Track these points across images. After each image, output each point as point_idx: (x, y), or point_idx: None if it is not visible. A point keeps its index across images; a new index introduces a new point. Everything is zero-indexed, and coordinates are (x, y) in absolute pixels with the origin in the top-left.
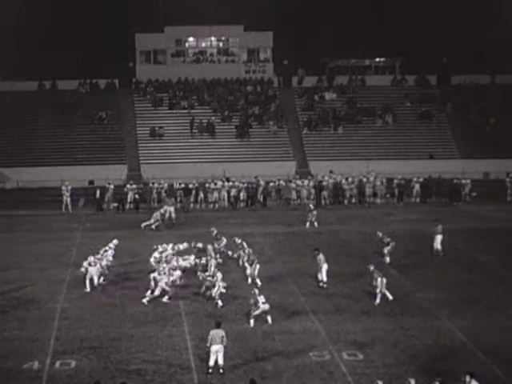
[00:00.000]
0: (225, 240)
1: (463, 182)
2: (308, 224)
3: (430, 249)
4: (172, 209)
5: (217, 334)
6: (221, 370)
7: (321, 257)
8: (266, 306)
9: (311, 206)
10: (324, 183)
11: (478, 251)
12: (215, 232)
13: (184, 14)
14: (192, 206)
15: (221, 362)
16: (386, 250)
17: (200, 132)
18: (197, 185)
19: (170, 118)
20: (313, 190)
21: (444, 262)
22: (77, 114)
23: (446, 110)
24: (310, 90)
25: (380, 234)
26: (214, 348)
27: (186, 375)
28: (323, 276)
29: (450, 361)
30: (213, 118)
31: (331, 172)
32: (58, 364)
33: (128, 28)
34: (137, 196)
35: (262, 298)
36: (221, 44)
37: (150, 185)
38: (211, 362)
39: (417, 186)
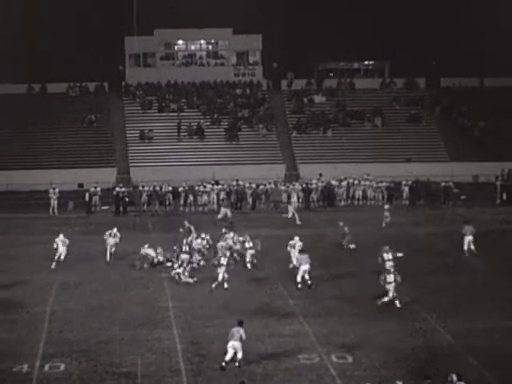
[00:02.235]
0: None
1: (443, 184)
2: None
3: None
4: (228, 210)
5: (237, 331)
6: (236, 364)
7: (302, 256)
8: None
9: (386, 207)
10: (313, 186)
11: (465, 253)
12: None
13: (173, 16)
14: (181, 208)
15: (240, 356)
16: (345, 241)
17: (189, 135)
18: (186, 188)
19: (159, 121)
20: (301, 193)
21: (431, 263)
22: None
23: (435, 113)
24: (299, 93)
25: (341, 223)
26: (230, 344)
27: (175, 378)
28: (306, 276)
29: (438, 363)
30: (202, 120)
31: (320, 175)
32: (47, 367)
33: (117, 31)
34: (127, 199)
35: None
36: (210, 47)
37: (140, 188)
38: (227, 357)
39: (406, 189)
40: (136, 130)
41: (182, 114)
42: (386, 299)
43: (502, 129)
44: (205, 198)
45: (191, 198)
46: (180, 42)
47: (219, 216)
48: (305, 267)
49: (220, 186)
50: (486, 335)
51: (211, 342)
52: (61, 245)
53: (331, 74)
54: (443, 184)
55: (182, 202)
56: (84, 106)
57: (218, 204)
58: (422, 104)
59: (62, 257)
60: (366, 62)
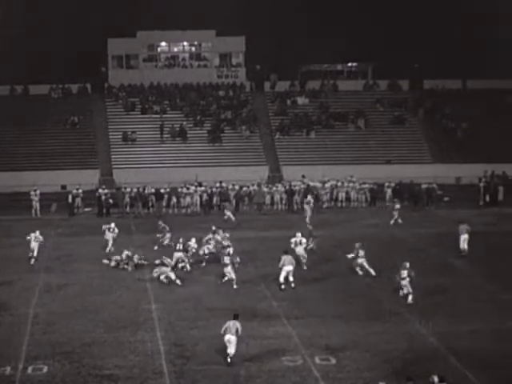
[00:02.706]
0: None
1: (426, 186)
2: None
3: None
4: (231, 213)
5: (233, 324)
6: (228, 359)
7: (285, 257)
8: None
9: (397, 206)
10: (296, 188)
11: (450, 255)
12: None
13: (156, 18)
14: (164, 210)
15: (232, 351)
16: (312, 245)
17: (172, 137)
18: (169, 189)
19: (142, 123)
20: (284, 195)
21: (415, 265)
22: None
23: (418, 114)
24: (283, 95)
25: (310, 227)
26: (226, 337)
27: (159, 380)
28: (290, 277)
29: (422, 365)
30: (185, 122)
31: (303, 177)
32: (30, 369)
33: (100, 32)
34: (111, 200)
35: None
36: (193, 49)
37: (123, 189)
38: (229, 350)
39: (389, 191)
40: (119, 132)
41: (164, 115)
42: (409, 298)
43: (485, 131)
44: (188, 199)
45: (174, 199)
46: (163, 43)
47: (225, 217)
48: (288, 268)
49: (203, 188)
50: (470, 337)
51: (195, 344)
52: (33, 239)
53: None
54: (426, 186)
55: (164, 203)
56: (66, 108)
57: (200, 206)
58: (406, 106)
59: (35, 254)
60: (350, 64)
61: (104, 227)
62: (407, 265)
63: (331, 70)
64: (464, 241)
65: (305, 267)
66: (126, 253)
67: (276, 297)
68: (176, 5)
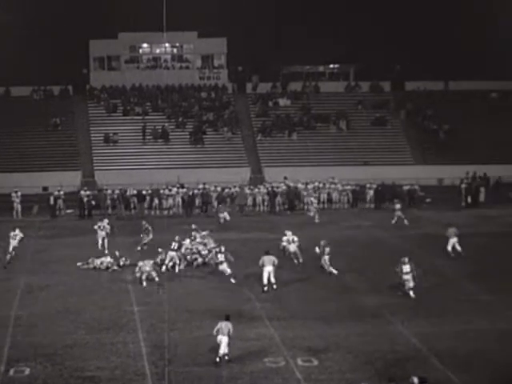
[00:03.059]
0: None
1: (408, 187)
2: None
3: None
4: (226, 214)
5: (225, 325)
6: (217, 359)
7: (265, 257)
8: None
9: (397, 206)
10: (278, 189)
11: (432, 256)
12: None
13: (138, 20)
14: (146, 212)
15: (226, 351)
16: (292, 249)
17: (154, 138)
18: (150, 191)
19: (124, 125)
20: (266, 197)
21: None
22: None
23: (400, 116)
24: (264, 97)
25: (289, 233)
26: (219, 338)
27: (141, 381)
28: (271, 278)
29: (404, 366)
30: (167, 124)
31: (285, 178)
32: (12, 371)
33: (81, 34)
34: (93, 202)
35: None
36: (175, 50)
37: (104, 191)
38: (221, 351)
39: (370, 192)
40: (101, 134)
41: (146, 117)
42: (411, 293)
43: (467, 132)
44: (170, 201)
45: (156, 201)
46: (145, 45)
47: (220, 221)
48: (268, 268)
49: (185, 190)
50: (453, 338)
51: (176, 346)
52: (11, 238)
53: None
54: (408, 187)
55: (146, 205)
56: (48, 110)
57: (182, 207)
58: (387, 107)
59: (10, 249)
60: (331, 66)
61: (96, 226)
62: (406, 259)
63: (313, 72)
64: (453, 244)
65: (301, 260)
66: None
67: (259, 298)
68: (158, 6)
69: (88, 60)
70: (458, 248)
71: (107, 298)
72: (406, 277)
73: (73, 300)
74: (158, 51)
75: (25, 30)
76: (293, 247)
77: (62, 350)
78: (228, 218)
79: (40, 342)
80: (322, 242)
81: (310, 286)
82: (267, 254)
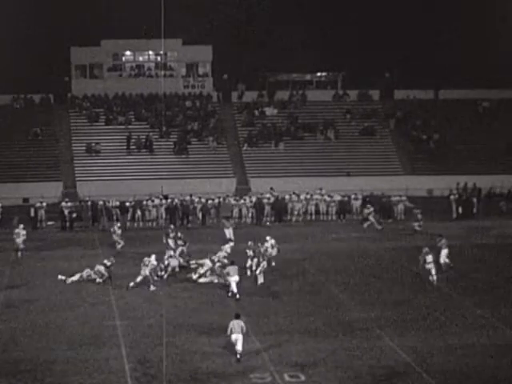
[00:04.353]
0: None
1: (397, 198)
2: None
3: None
4: (231, 229)
5: (237, 323)
6: (238, 356)
7: (231, 267)
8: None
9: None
10: (265, 200)
11: (421, 269)
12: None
13: (121, 27)
14: (129, 224)
15: (240, 348)
16: (259, 269)
17: (138, 148)
18: (133, 203)
19: (106, 134)
20: (252, 209)
21: (387, 280)
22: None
23: (390, 125)
24: (250, 105)
25: (269, 240)
26: (233, 337)
27: None
28: (239, 346)
29: (394, 382)
30: (151, 133)
31: (272, 189)
32: None
33: (63, 41)
34: (74, 215)
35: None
36: (159, 58)
37: (87, 203)
38: (238, 348)
39: (356, 203)
40: (82, 143)
41: (129, 126)
42: (434, 277)
43: (457, 142)
44: (153, 213)
45: (139, 212)
46: (128, 52)
47: (227, 236)
48: (234, 278)
49: (169, 201)
50: (443, 353)
51: (160, 361)
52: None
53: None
54: (397, 198)
55: (129, 217)
56: (29, 119)
57: (165, 219)
58: (376, 116)
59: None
60: (319, 74)
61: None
62: (427, 249)
63: (300, 80)
64: (445, 255)
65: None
66: (98, 267)
67: (244, 312)
68: (142, 13)
69: (69, 68)
70: (447, 260)
71: (89, 312)
72: (429, 266)
73: (54, 314)
74: (141, 59)
75: (5, 36)
76: (275, 252)
77: (43, 365)
78: (232, 236)
79: (20, 357)
80: (424, 250)
81: (296, 299)
82: (232, 264)
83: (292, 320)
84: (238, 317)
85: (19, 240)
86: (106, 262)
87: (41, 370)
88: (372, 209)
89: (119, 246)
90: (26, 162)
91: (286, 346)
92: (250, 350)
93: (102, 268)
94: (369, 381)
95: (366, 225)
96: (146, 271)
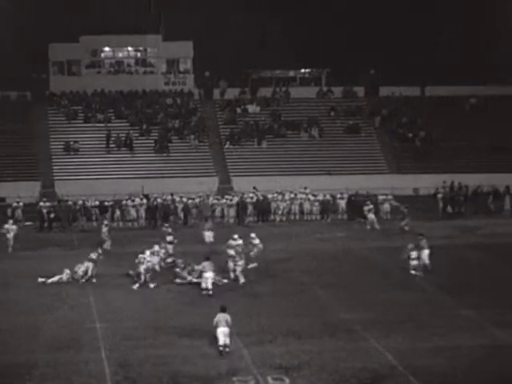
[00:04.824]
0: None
1: (383, 197)
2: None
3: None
4: (211, 233)
5: (223, 317)
6: (227, 349)
7: (206, 263)
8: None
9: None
10: (247, 200)
11: (407, 269)
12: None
13: (100, 23)
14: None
15: (227, 342)
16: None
17: (117, 147)
18: (112, 202)
19: (85, 132)
20: (234, 208)
21: (372, 280)
22: None
23: (375, 123)
24: (233, 103)
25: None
26: (219, 330)
27: None
28: (227, 340)
29: None
30: (130, 131)
31: (255, 188)
32: None
33: (41, 37)
34: (52, 215)
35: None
36: (139, 54)
37: (65, 202)
38: (221, 342)
39: (342, 203)
40: (61, 142)
41: (109, 124)
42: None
43: (444, 139)
44: (133, 213)
45: (118, 212)
46: (107, 49)
47: (206, 240)
48: (208, 274)
49: (150, 201)
50: (430, 355)
51: (141, 364)
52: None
53: None
54: (383, 197)
55: (108, 217)
56: (5, 116)
57: (145, 219)
58: (361, 114)
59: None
60: (303, 70)
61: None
62: (412, 245)
63: (283, 77)
64: (426, 256)
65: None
66: (86, 264)
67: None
68: (121, 8)
69: (47, 64)
70: (427, 261)
71: (69, 314)
72: (413, 262)
73: (33, 317)
74: (120, 55)
75: None
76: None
77: (22, 369)
78: (212, 239)
79: None
80: (409, 246)
81: (280, 300)
82: (207, 259)
83: (275, 321)
84: (223, 310)
85: (10, 235)
86: (92, 255)
87: (19, 374)
88: (372, 206)
89: (106, 245)
90: (2, 161)
91: (270, 347)
92: (232, 352)
93: (90, 265)
94: (353, 383)
95: (368, 225)
96: (141, 269)
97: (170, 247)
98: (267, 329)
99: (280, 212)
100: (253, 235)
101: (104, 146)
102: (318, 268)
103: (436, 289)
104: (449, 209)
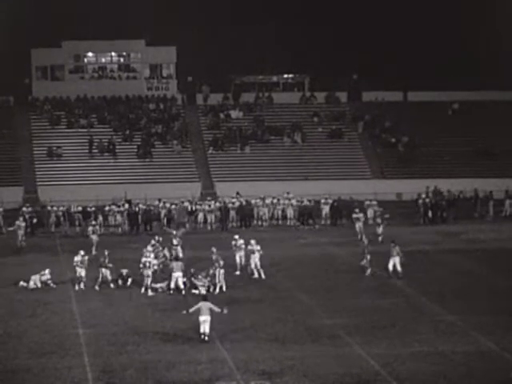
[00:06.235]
0: None
1: (367, 203)
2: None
3: (386, 270)
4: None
5: (205, 305)
6: (206, 338)
7: (175, 263)
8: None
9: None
10: (230, 205)
11: (389, 275)
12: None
13: (83, 28)
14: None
15: (207, 330)
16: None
17: (100, 152)
18: (94, 208)
19: (68, 138)
20: (218, 213)
21: (356, 286)
22: None
23: (358, 128)
24: (216, 108)
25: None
26: (201, 318)
27: None
28: (206, 328)
29: None
30: (113, 137)
31: (238, 193)
32: None
33: (23, 42)
34: (35, 220)
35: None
36: (122, 59)
37: (48, 208)
38: (202, 330)
39: (326, 208)
40: (43, 147)
41: (92, 129)
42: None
43: (427, 145)
44: (118, 218)
45: (101, 218)
46: (90, 54)
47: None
48: (176, 274)
49: (132, 206)
50: (412, 360)
51: (124, 370)
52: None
53: None
54: (367, 202)
55: (92, 222)
56: None
57: (128, 224)
58: (344, 119)
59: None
60: (285, 76)
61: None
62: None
63: (266, 82)
64: (394, 264)
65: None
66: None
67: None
68: (104, 14)
69: (30, 69)
70: (399, 269)
71: (51, 319)
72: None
73: (14, 323)
74: (103, 60)
75: None
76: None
77: (3, 375)
78: (176, 242)
79: None
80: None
81: (263, 305)
82: (176, 259)
83: (259, 327)
84: (205, 299)
85: (21, 232)
86: (76, 258)
87: (1, 380)
88: (361, 214)
89: (94, 249)
90: None
91: (253, 353)
92: (215, 358)
93: (83, 272)
94: None
95: (365, 240)
96: (148, 272)
97: (179, 249)
98: (250, 334)
99: (263, 217)
100: (253, 241)
101: (87, 151)
102: (301, 273)
103: (419, 294)
104: (429, 214)
